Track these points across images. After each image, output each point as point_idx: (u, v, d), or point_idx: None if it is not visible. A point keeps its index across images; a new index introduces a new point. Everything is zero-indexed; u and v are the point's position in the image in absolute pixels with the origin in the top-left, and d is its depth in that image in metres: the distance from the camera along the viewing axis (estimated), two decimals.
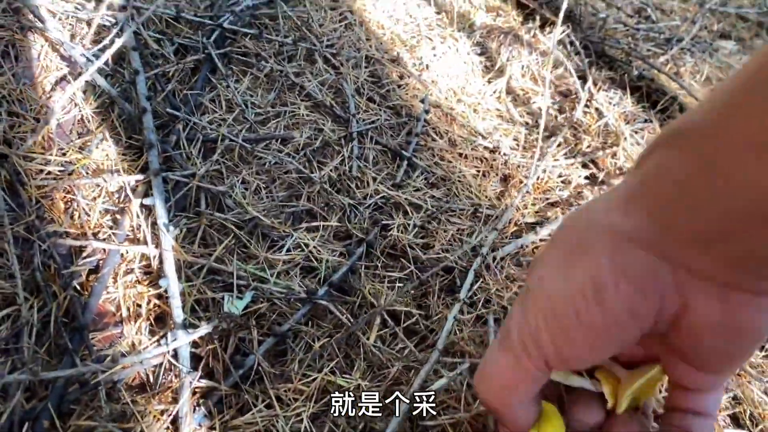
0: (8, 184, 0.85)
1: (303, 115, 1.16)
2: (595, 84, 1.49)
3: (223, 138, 1.04)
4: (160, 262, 0.86)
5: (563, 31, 1.61)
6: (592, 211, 0.47)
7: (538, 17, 1.65)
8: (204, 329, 0.81)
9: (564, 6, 1.37)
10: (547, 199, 1.22)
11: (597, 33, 1.70)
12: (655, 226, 0.41)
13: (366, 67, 1.30)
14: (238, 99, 1.12)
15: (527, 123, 1.38)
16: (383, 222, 1.05)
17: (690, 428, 0.49)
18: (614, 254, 0.42)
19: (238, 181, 1.03)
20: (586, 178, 1.28)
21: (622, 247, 0.42)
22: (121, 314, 0.83)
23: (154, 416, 0.76)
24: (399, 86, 1.30)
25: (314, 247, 0.99)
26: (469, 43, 1.49)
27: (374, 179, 1.11)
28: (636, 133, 1.40)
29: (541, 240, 1.13)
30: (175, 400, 0.77)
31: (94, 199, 0.90)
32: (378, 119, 1.21)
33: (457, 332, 0.95)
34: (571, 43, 1.61)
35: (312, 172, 1.08)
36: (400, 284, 0.99)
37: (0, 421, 0.67)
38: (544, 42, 1.57)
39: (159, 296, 0.86)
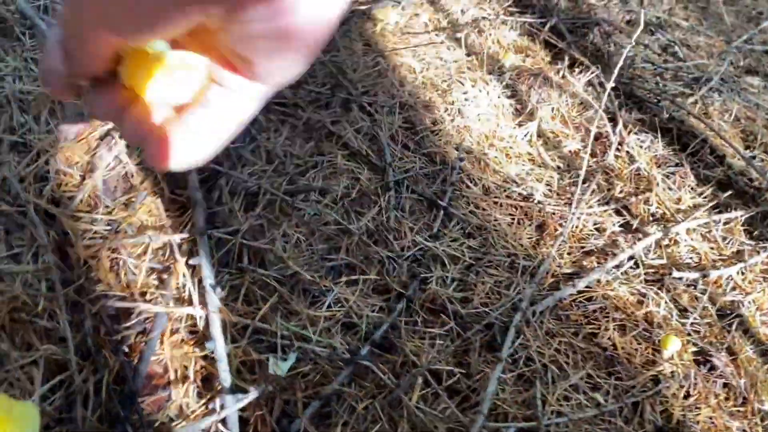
0: (57, 245, 0.85)
1: (340, 165, 1.17)
2: (625, 126, 1.49)
3: (264, 191, 1.05)
4: (207, 324, 0.87)
5: (592, 72, 1.61)
6: None
7: (566, 57, 1.65)
8: (252, 395, 0.81)
9: (620, 63, 1.38)
10: (583, 248, 1.22)
11: (626, 72, 1.70)
12: None
13: (400, 114, 1.31)
14: (277, 150, 1.13)
15: (559, 167, 1.38)
16: (422, 275, 1.05)
17: None
18: None
19: (279, 234, 1.03)
20: (620, 226, 1.28)
21: None
22: (168, 377, 0.83)
23: None
24: (432, 132, 1.31)
25: (354, 302, 1.00)
26: (500, 85, 1.50)
27: (411, 230, 1.12)
28: (668, 177, 1.40)
29: (579, 292, 1.13)
30: None
31: (140, 257, 0.91)
32: (413, 167, 1.22)
33: (500, 393, 0.95)
34: (600, 84, 1.61)
35: (350, 224, 1.09)
36: (441, 341, 0.99)
37: None
38: (573, 83, 1.58)
39: (205, 357, 0.87)
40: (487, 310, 1.04)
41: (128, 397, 0.77)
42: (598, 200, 1.31)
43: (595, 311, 1.11)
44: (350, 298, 1.00)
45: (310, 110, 1.22)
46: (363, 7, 1.50)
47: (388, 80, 1.37)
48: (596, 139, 1.47)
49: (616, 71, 1.45)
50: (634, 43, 1.72)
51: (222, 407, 0.80)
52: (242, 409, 0.82)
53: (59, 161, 0.93)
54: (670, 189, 1.38)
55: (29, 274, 0.81)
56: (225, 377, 0.82)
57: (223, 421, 0.80)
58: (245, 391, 0.83)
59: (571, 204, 1.27)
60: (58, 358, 0.78)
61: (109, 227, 0.91)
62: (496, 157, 1.32)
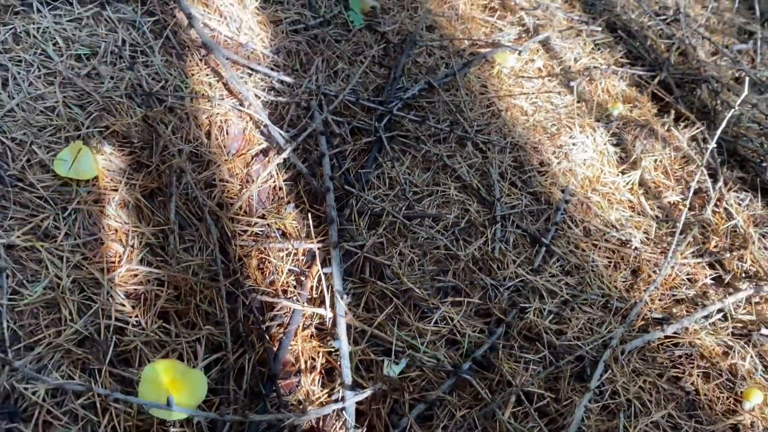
0: (219, 243, 1.01)
1: (452, 195, 1.29)
2: (725, 183, 1.55)
3: (387, 213, 1.19)
4: (334, 324, 1.00)
5: (698, 128, 1.67)
6: None
7: (672, 111, 1.71)
8: (369, 391, 0.94)
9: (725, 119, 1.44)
10: (674, 296, 1.29)
11: (730, 130, 1.74)
12: None
13: (510, 153, 1.42)
14: (399, 178, 1.27)
15: (657, 217, 1.45)
16: (521, 305, 1.16)
17: None
18: None
19: (396, 253, 1.16)
20: (713, 279, 1.34)
21: None
22: (299, 366, 0.97)
23: None
24: (540, 173, 1.41)
25: (458, 321, 1.11)
26: (606, 133, 1.59)
27: (514, 262, 1.22)
28: (764, 237, 1.44)
29: (666, 337, 1.20)
30: None
31: (283, 259, 1.06)
32: (519, 204, 1.33)
33: (585, 419, 1.04)
34: (704, 139, 1.67)
35: (458, 250, 1.21)
36: (534, 366, 1.09)
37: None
38: (678, 137, 1.64)
39: (329, 353, 1.00)
40: (579, 343, 1.13)
41: (270, 379, 0.92)
42: (693, 252, 1.37)
43: (680, 356, 1.18)
44: (455, 317, 1.11)
45: (430, 143, 1.36)
46: (483, 51, 1.62)
47: (501, 120, 1.49)
48: (696, 193, 1.53)
49: (720, 128, 1.51)
50: (741, 102, 1.76)
51: (343, 399, 0.93)
52: (359, 402, 0.95)
53: (224, 172, 1.10)
54: (765, 248, 1.43)
55: (196, 265, 0.97)
56: (347, 374, 0.96)
57: (342, 410, 0.93)
58: (362, 387, 0.96)
59: (666, 253, 1.34)
60: (216, 339, 0.93)
61: (261, 231, 1.07)
62: (598, 201, 1.41)
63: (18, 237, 0.85)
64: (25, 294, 0.82)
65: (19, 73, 1.00)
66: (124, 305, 0.88)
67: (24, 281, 0.83)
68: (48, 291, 0.83)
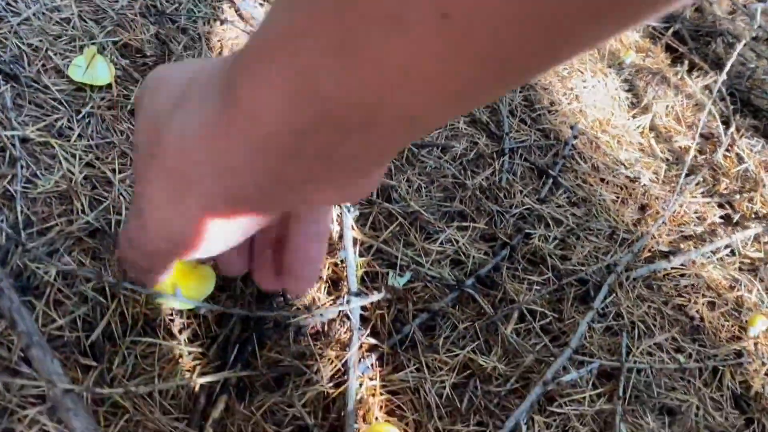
0: None
1: (461, 129, 1.30)
2: (737, 130, 1.54)
3: None
4: (340, 237, 1.02)
5: (711, 77, 1.66)
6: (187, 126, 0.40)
7: (686, 61, 1.71)
8: (374, 297, 0.95)
9: (728, 64, 1.44)
10: (682, 231, 1.29)
11: (744, 82, 1.73)
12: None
13: (520, 92, 1.42)
14: None
15: (668, 159, 1.45)
16: (526, 231, 1.17)
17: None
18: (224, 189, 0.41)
19: (403, 179, 1.17)
20: (721, 217, 1.34)
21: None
22: None
23: (329, 359, 0.91)
24: (549, 112, 1.41)
25: (463, 243, 1.12)
26: (618, 79, 1.58)
27: (521, 192, 1.23)
28: None
29: (673, 268, 1.20)
30: (345, 349, 0.92)
31: None
32: (528, 139, 1.33)
33: (587, 337, 1.05)
34: (718, 89, 1.66)
35: (466, 179, 1.22)
36: (538, 287, 1.10)
37: (219, 340, 0.84)
38: (690, 85, 1.63)
39: (336, 264, 1.02)
40: (583, 269, 1.14)
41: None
42: (702, 192, 1.37)
43: (686, 286, 1.18)
44: (460, 240, 1.12)
45: None
46: None
47: None
48: (707, 138, 1.53)
49: (727, 67, 1.50)
50: (756, 55, 1.75)
51: (348, 302, 0.94)
52: (363, 309, 0.97)
53: None
54: None
55: None
56: (353, 281, 0.97)
57: (347, 315, 0.94)
58: (367, 295, 0.97)
59: (675, 192, 1.34)
60: None
61: None
62: (607, 141, 1.41)
63: (32, 132, 0.87)
64: (39, 184, 0.84)
65: None
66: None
67: (38, 172, 0.85)
68: (61, 182, 0.85)
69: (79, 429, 0.56)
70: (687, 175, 1.40)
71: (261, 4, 1.25)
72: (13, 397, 0.69)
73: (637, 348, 1.05)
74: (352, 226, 1.03)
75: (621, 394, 0.98)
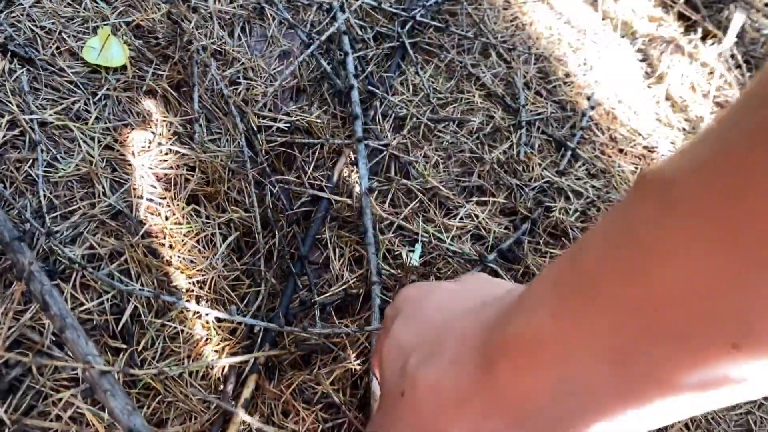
0: (246, 136, 1.02)
1: (477, 103, 1.29)
2: None
3: (411, 116, 1.19)
4: (360, 215, 1.01)
5: (724, 45, 1.64)
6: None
7: (700, 29, 1.68)
8: (393, 271, 0.95)
9: (737, 25, 1.42)
10: None
11: (759, 49, 1.71)
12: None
13: (535, 64, 1.41)
14: (423, 84, 1.26)
15: (684, 129, 1.44)
16: (546, 204, 1.16)
17: None
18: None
19: (420, 155, 1.16)
20: None
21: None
22: (327, 253, 0.98)
23: (354, 337, 0.91)
24: (565, 83, 1.40)
25: (483, 219, 1.11)
26: (632, 49, 1.56)
27: (539, 165, 1.22)
28: None
29: None
30: (368, 323, 0.91)
31: (308, 156, 1.06)
32: (545, 111, 1.32)
33: None
34: (733, 56, 1.64)
35: (483, 153, 1.20)
36: None
37: (246, 318, 0.84)
38: (704, 53, 1.61)
39: (357, 242, 1.01)
40: None
41: (300, 259, 0.93)
42: None
43: None
44: (480, 215, 1.12)
45: (453, 52, 1.35)
46: None
47: (526, 34, 1.47)
48: (723, 107, 1.51)
49: (735, 31, 1.48)
50: None
51: (371, 284, 0.94)
52: (385, 288, 0.96)
53: (248, 70, 1.10)
54: None
55: (223, 155, 0.98)
56: (372, 258, 0.97)
57: (368, 294, 0.94)
58: (388, 273, 0.97)
59: None
60: (245, 223, 0.94)
61: (286, 126, 1.07)
62: (624, 111, 1.40)
63: (50, 115, 0.87)
64: (60, 167, 0.84)
65: None
66: (155, 186, 0.90)
67: (58, 156, 0.84)
68: (82, 165, 0.85)
69: (117, 408, 0.56)
70: None
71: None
72: (47, 381, 0.69)
73: None
74: (371, 203, 1.02)
75: None
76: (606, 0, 1.66)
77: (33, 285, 0.62)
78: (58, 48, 0.94)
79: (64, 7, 0.99)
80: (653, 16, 1.71)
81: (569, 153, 1.25)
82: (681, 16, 1.75)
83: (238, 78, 1.09)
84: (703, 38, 1.67)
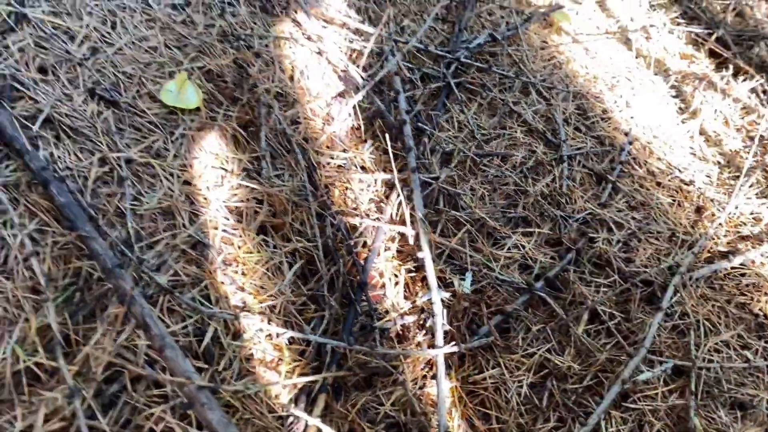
0: (307, 172, 1.09)
1: (519, 138, 1.35)
2: None
3: (458, 151, 1.25)
4: (417, 240, 1.07)
5: (757, 80, 1.69)
6: None
7: (731, 66, 1.74)
8: (450, 292, 1.01)
9: None
10: (739, 232, 1.32)
11: None
12: None
13: (573, 101, 1.47)
14: (468, 121, 1.33)
15: (719, 163, 1.48)
16: (590, 235, 1.21)
17: None
18: None
19: (467, 187, 1.22)
20: None
21: None
22: (383, 281, 1.04)
23: (412, 360, 0.96)
24: (602, 119, 1.46)
25: (530, 248, 1.17)
26: (665, 86, 1.62)
27: (581, 197, 1.27)
28: None
29: (733, 268, 1.23)
30: (431, 347, 0.96)
31: (363, 189, 1.13)
32: (584, 146, 1.37)
33: (656, 337, 1.08)
34: (764, 91, 1.68)
35: (527, 186, 1.26)
36: (605, 289, 1.14)
37: (319, 337, 0.89)
38: (737, 89, 1.66)
39: (410, 270, 1.07)
40: (647, 270, 1.17)
41: (359, 286, 0.99)
42: (757, 194, 1.40)
43: (747, 285, 1.21)
44: (526, 245, 1.17)
45: (495, 91, 1.42)
46: (543, 10, 1.67)
47: (563, 72, 1.54)
48: (754, 139, 1.55)
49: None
50: None
51: (430, 301, 0.99)
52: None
53: (307, 111, 1.18)
54: None
55: (287, 189, 1.05)
56: (432, 279, 1.02)
57: (424, 320, 0.99)
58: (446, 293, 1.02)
59: (730, 194, 1.37)
60: (308, 252, 1.01)
61: (343, 163, 1.14)
62: (660, 146, 1.45)
63: (135, 153, 0.94)
64: (144, 201, 0.91)
65: (124, 18, 1.10)
66: (227, 218, 0.97)
67: (142, 191, 0.92)
68: (164, 200, 0.92)
69: (215, 421, 0.61)
70: (739, 178, 1.43)
71: (325, 26, 1.32)
72: (140, 397, 0.75)
73: (705, 345, 1.09)
74: (426, 230, 1.08)
75: (693, 389, 1.01)
76: (639, 39, 1.72)
77: (134, 308, 0.68)
78: (138, 91, 1.03)
79: (143, 54, 1.08)
80: (685, 53, 1.77)
81: (610, 186, 1.30)
82: (712, 53, 1.80)
83: (299, 118, 1.16)
84: (735, 74, 1.72)
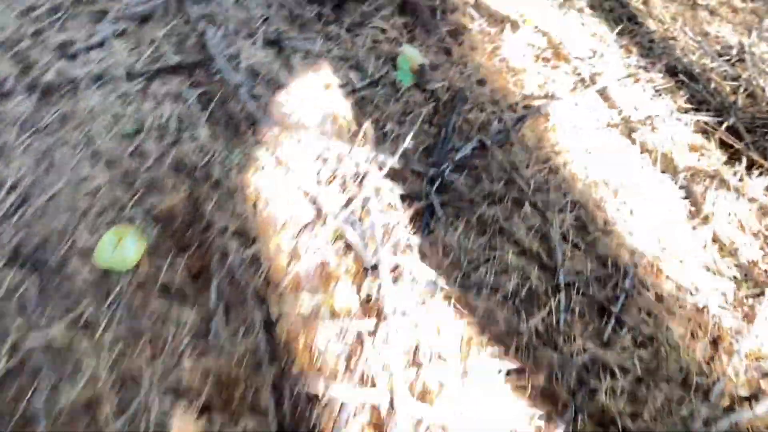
0: (265, 325, 0.96)
1: (511, 262, 1.22)
2: None
3: (441, 288, 1.12)
4: (391, 407, 0.93)
5: None
6: None
7: (744, 158, 1.60)
8: None
9: None
10: (760, 366, 1.17)
11: None
12: None
13: (571, 212, 1.33)
14: (453, 244, 1.20)
15: (735, 277, 1.34)
16: (591, 386, 1.06)
17: None
18: None
19: (452, 333, 1.09)
20: None
21: None
22: None
23: None
24: (604, 233, 1.32)
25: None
26: (674, 186, 1.48)
27: (581, 334, 1.13)
28: None
29: (757, 417, 1.08)
30: None
31: (330, 341, 1.00)
32: (584, 270, 1.24)
33: None
34: None
35: (520, 322, 1.12)
36: None
37: None
38: (751, 186, 1.53)
39: None
40: (656, 429, 1.02)
41: None
42: None
43: None
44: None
45: (484, 205, 1.29)
46: (537, 103, 1.56)
47: (560, 177, 1.41)
48: None
49: None
50: None
51: None
52: None
53: (270, 248, 1.05)
54: None
55: (240, 353, 0.92)
56: None
57: None
58: None
59: (748, 317, 1.23)
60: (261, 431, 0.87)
61: (308, 311, 1.01)
62: (669, 262, 1.31)
63: (57, 329, 0.82)
64: (63, 395, 0.78)
65: (63, 155, 0.99)
66: (164, 402, 0.84)
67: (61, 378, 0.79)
68: (85, 391, 0.79)
69: None
70: (758, 295, 1.28)
71: (297, 143, 1.20)
72: None
73: None
74: (404, 397, 0.94)
75: None
76: (643, 132, 1.60)
77: None
78: (70, 248, 0.91)
79: (81, 199, 0.96)
80: (694, 144, 1.64)
81: (613, 320, 1.16)
82: (723, 143, 1.67)
83: (260, 256, 1.04)
84: (749, 168, 1.59)
